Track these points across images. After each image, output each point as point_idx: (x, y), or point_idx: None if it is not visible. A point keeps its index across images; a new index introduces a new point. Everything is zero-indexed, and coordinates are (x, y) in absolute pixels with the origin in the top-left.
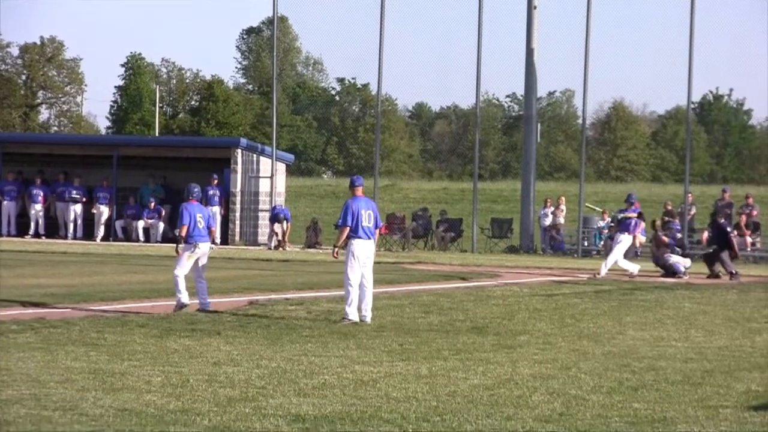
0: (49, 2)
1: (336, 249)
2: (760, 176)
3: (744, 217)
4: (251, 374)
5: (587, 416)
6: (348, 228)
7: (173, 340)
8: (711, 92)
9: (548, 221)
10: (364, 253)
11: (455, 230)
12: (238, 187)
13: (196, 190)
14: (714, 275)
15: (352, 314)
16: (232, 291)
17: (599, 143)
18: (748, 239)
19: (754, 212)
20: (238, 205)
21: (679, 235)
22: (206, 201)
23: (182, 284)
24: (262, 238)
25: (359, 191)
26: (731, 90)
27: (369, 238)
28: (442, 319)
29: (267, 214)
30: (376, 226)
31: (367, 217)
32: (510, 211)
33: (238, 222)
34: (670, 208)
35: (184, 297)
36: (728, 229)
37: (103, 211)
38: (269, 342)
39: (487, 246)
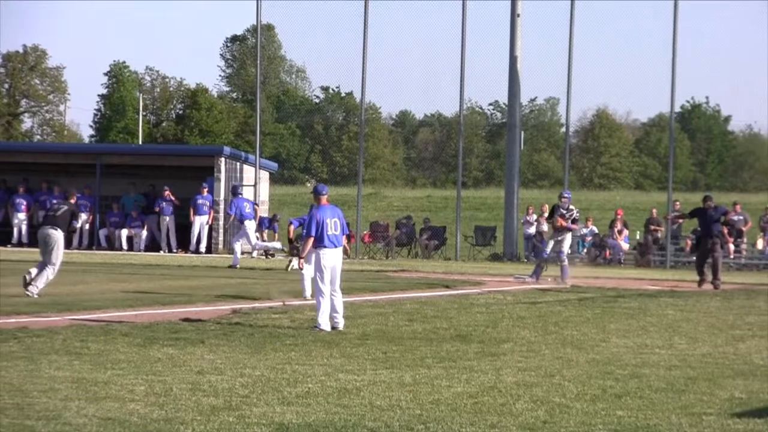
0: (32, 10)
1: (301, 260)
2: (744, 183)
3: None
4: (235, 383)
5: (571, 424)
6: (312, 238)
7: (156, 349)
8: (688, 101)
9: (531, 229)
10: (330, 261)
11: (439, 238)
12: (221, 195)
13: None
14: (703, 281)
15: (324, 323)
16: (215, 299)
17: (582, 151)
18: (731, 246)
19: (749, 224)
20: (221, 214)
21: (573, 214)
22: (195, 210)
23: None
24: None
25: (324, 200)
26: (707, 97)
27: (335, 247)
28: (426, 327)
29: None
30: (343, 233)
31: (333, 225)
32: (493, 219)
33: (221, 231)
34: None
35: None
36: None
37: (85, 220)
38: (253, 350)
39: (471, 254)
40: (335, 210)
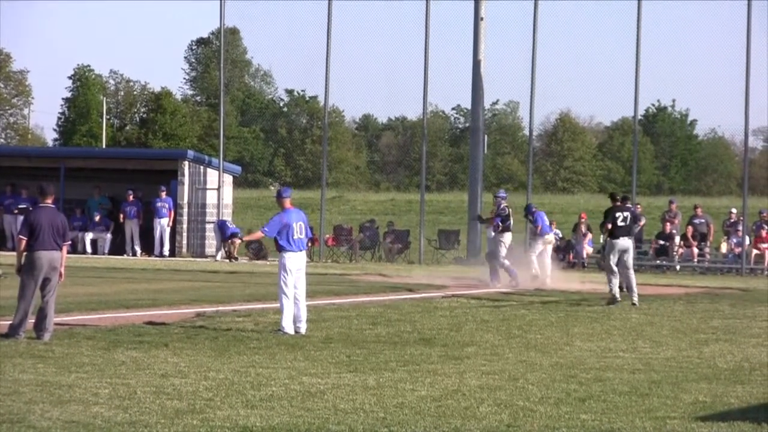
0: None
1: (237, 242)
2: (707, 187)
3: (690, 228)
4: (199, 386)
5: (535, 427)
6: (263, 234)
7: (120, 352)
8: (653, 105)
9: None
10: (295, 265)
11: (402, 241)
12: (185, 198)
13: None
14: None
15: (287, 326)
16: (179, 303)
17: (546, 154)
18: (695, 250)
19: (711, 228)
20: (185, 217)
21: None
22: (154, 213)
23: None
24: (210, 249)
25: (287, 203)
26: (674, 101)
27: (300, 251)
28: (390, 331)
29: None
30: (307, 237)
31: (299, 230)
32: (457, 223)
33: (185, 234)
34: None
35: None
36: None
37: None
38: (217, 354)
39: (435, 257)
40: (299, 213)
